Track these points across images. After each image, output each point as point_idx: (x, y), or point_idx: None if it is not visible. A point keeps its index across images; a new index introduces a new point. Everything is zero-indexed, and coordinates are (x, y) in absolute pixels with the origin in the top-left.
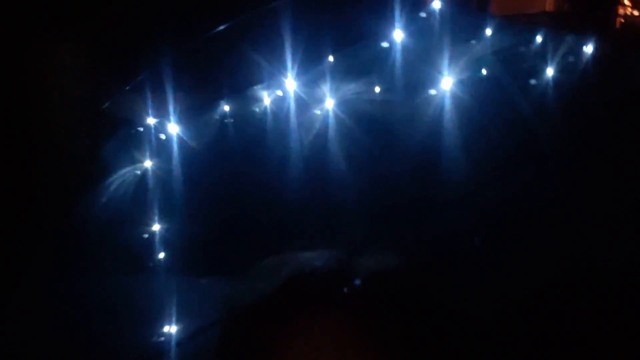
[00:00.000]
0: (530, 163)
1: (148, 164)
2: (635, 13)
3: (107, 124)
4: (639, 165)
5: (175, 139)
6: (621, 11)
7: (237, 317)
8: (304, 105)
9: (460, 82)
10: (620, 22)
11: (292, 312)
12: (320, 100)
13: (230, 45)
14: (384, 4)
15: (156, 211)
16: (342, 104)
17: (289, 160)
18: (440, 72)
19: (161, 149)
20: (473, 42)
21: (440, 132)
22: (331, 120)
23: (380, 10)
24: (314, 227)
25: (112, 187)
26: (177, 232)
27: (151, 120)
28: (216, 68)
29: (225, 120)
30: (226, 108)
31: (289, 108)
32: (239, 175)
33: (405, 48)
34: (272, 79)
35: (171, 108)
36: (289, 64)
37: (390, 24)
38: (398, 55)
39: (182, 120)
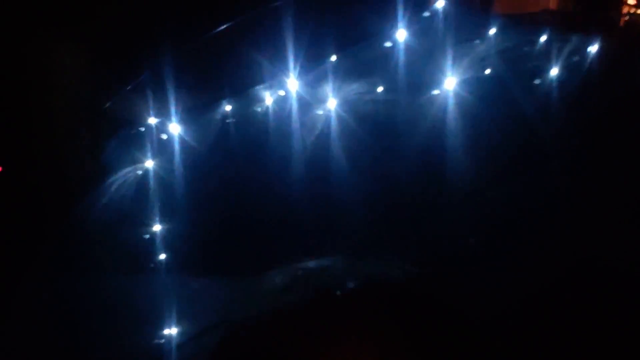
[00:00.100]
0: (534, 163)
1: (149, 164)
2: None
3: (108, 124)
4: None
5: (176, 139)
6: (625, 10)
7: (240, 320)
8: (306, 105)
9: (464, 82)
10: (625, 21)
11: (298, 315)
12: (322, 101)
13: (232, 45)
14: (387, 3)
15: (157, 211)
16: (344, 104)
17: (291, 160)
18: (443, 72)
19: (162, 149)
20: (476, 41)
21: (443, 132)
22: (333, 121)
23: (383, 10)
24: (317, 228)
25: (114, 187)
26: (179, 232)
27: (152, 120)
28: (218, 68)
29: (227, 121)
30: (228, 108)
31: (291, 108)
32: (240, 176)
33: (408, 48)
34: (275, 79)
35: (173, 108)
36: (292, 63)
37: (393, 24)
38: (401, 55)
39: (183, 120)
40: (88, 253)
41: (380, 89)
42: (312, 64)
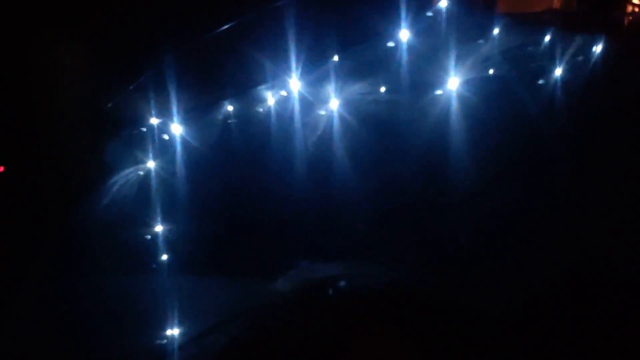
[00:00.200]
0: (537, 163)
1: (151, 164)
2: None
3: (109, 124)
4: None
5: (178, 139)
6: (629, 10)
7: (241, 320)
8: (308, 105)
9: (467, 82)
10: (629, 20)
11: (299, 315)
12: (324, 101)
13: (234, 45)
14: (390, 3)
15: (159, 212)
16: (347, 104)
17: (292, 161)
18: (446, 72)
19: (164, 150)
20: (480, 41)
21: (446, 133)
22: (336, 121)
23: (386, 10)
24: (318, 228)
25: (115, 188)
26: (181, 233)
27: (154, 121)
28: (220, 68)
29: (229, 121)
30: (230, 108)
31: (293, 108)
32: (242, 176)
33: (411, 48)
34: (277, 79)
35: (174, 108)
36: (294, 64)
37: (396, 24)
38: (404, 55)
39: (185, 120)
40: (89, 253)
41: (383, 89)
42: (314, 64)
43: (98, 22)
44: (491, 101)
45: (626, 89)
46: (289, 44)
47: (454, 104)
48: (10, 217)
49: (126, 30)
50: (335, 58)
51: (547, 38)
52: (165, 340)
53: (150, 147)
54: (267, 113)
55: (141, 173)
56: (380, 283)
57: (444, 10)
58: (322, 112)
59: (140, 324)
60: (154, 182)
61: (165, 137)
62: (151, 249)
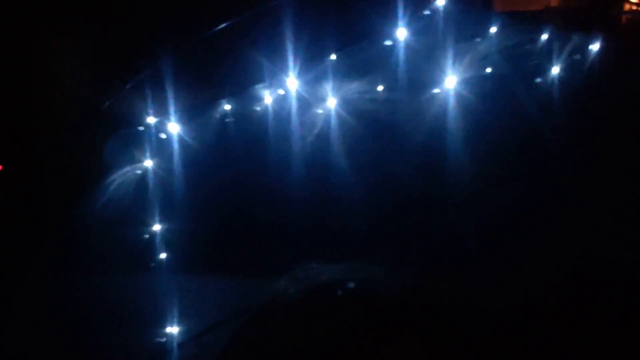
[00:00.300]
0: (536, 163)
1: (149, 163)
2: None
3: (107, 123)
4: None
5: (176, 138)
6: (627, 8)
7: (241, 319)
8: (306, 104)
9: (465, 81)
10: (627, 19)
11: (300, 315)
12: (322, 100)
13: (231, 43)
14: (388, 2)
15: (157, 211)
16: (344, 103)
17: (290, 159)
18: (444, 71)
19: (162, 148)
20: (477, 40)
21: (444, 132)
22: (333, 120)
23: (384, 8)
24: (316, 228)
25: (113, 187)
26: (179, 231)
27: (152, 120)
28: (217, 67)
29: (227, 120)
30: (227, 107)
31: (290, 107)
32: (239, 175)
33: (408, 46)
34: (274, 78)
35: (172, 107)
36: (291, 62)
37: (393, 22)
38: (401, 54)
39: (183, 119)
40: (87, 252)
41: (380, 87)
42: (311, 63)
43: (95, 20)
44: (489, 100)
45: (624, 87)
46: (287, 43)
47: (452, 103)
48: (6, 216)
49: (123, 29)
50: (333, 57)
51: (545, 36)
52: (165, 338)
53: (147, 146)
54: (265, 112)
55: (139, 172)
56: (383, 285)
57: (441, 8)
58: (320, 111)
59: (140, 323)
60: (152, 181)
61: (163, 136)
62: (151, 248)
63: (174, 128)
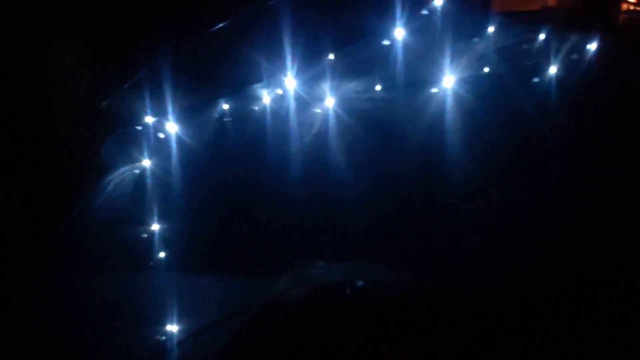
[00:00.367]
0: (535, 163)
1: (147, 162)
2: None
3: (105, 123)
4: None
5: (174, 137)
6: (625, 8)
7: (241, 318)
8: (304, 104)
9: (463, 81)
10: (625, 18)
11: (300, 315)
12: (320, 99)
13: (229, 43)
14: (385, 1)
15: (155, 210)
16: (342, 102)
17: (288, 159)
18: (442, 71)
19: (160, 148)
20: (475, 39)
21: (443, 131)
22: (331, 120)
23: (382, 8)
24: (315, 227)
25: (111, 186)
26: (177, 231)
27: (150, 119)
28: (215, 66)
29: (225, 119)
30: (225, 107)
31: (288, 107)
32: (238, 175)
33: (406, 46)
34: (272, 78)
35: (170, 107)
36: (289, 62)
37: (391, 22)
38: (399, 54)
39: (180, 118)
40: (86, 252)
41: (378, 87)
42: (309, 63)
43: (93, 19)
44: (488, 99)
45: (623, 86)
46: (285, 42)
47: (451, 102)
48: (4, 215)
49: (121, 28)
50: (331, 56)
51: (543, 36)
52: (165, 336)
53: (146, 146)
54: (263, 111)
55: (137, 171)
56: (386, 285)
57: (439, 8)
58: (318, 110)
59: (139, 323)
60: (150, 180)
61: (161, 135)
62: (150, 247)
63: (172, 127)
